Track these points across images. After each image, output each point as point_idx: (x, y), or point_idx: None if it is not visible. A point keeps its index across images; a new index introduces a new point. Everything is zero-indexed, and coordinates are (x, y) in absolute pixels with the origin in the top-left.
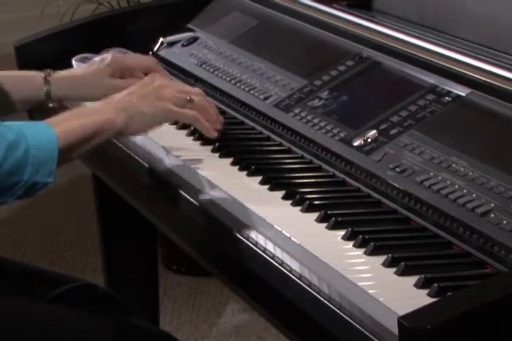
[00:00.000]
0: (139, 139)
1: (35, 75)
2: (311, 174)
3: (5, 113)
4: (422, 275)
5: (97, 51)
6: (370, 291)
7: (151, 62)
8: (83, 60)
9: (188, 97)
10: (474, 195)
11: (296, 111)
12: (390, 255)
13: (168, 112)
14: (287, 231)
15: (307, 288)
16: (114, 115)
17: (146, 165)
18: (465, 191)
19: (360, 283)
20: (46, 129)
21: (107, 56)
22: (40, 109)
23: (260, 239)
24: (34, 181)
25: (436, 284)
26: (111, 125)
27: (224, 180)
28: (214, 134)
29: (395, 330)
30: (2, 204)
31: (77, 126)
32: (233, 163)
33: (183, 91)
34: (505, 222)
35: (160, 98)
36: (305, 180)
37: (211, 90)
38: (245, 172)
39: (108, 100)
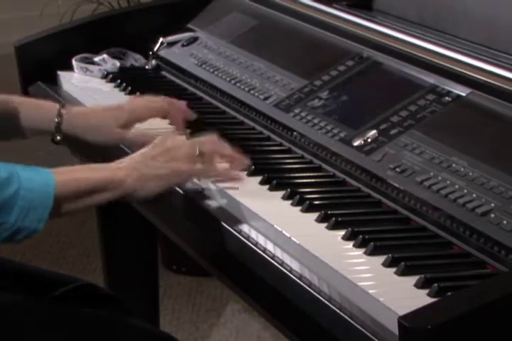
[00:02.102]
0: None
1: (50, 106)
2: (311, 174)
3: (12, 137)
4: (422, 275)
5: (97, 51)
6: (371, 291)
7: (165, 111)
8: (83, 60)
9: (197, 152)
10: (474, 195)
11: (296, 111)
12: (390, 255)
13: (181, 173)
14: (287, 231)
15: (307, 288)
16: (123, 176)
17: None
18: (465, 191)
19: (360, 283)
20: (45, 174)
21: (128, 104)
22: None
23: (260, 239)
24: (21, 225)
25: (436, 284)
26: (118, 185)
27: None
28: (239, 182)
29: (395, 330)
30: None
31: (81, 177)
32: None
33: (193, 146)
34: (505, 221)
35: (171, 159)
36: (305, 180)
37: (211, 90)
38: (245, 173)
39: (120, 161)
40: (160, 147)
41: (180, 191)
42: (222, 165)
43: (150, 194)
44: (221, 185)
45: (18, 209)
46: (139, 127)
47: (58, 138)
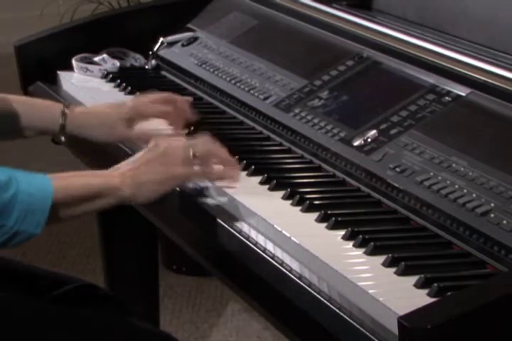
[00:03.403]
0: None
1: (54, 106)
2: (311, 174)
3: (12, 137)
4: (422, 275)
5: (97, 51)
6: (370, 291)
7: (167, 109)
8: (83, 60)
9: (191, 154)
10: (474, 195)
11: (296, 111)
12: (390, 255)
13: (177, 177)
14: (287, 231)
15: (307, 288)
16: (120, 183)
17: None
18: (465, 191)
19: (360, 283)
20: (42, 179)
21: (130, 101)
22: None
23: (260, 239)
24: (19, 229)
25: (436, 284)
26: (113, 192)
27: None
28: (234, 183)
29: (395, 330)
30: None
31: (79, 183)
32: None
33: (187, 149)
34: (505, 221)
35: (166, 163)
36: (305, 180)
37: (211, 90)
38: (245, 173)
39: (116, 168)
40: (154, 151)
41: (180, 191)
42: (218, 167)
43: (148, 199)
44: (220, 184)
45: (17, 212)
46: (139, 127)
47: (62, 138)
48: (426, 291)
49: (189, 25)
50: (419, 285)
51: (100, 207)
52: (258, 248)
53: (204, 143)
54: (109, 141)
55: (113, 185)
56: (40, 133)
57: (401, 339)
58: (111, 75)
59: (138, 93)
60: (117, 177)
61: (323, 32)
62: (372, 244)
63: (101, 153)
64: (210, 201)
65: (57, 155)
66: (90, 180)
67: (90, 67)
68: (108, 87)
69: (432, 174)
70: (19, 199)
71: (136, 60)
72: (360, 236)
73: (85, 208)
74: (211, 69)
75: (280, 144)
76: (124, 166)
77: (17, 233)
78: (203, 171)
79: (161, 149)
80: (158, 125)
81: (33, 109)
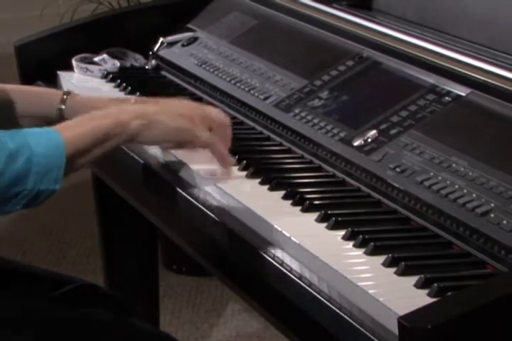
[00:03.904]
0: None
1: (53, 93)
2: (311, 174)
3: (7, 126)
4: (422, 275)
5: (97, 51)
6: (370, 291)
7: None
8: (83, 60)
9: (208, 122)
10: (474, 195)
11: (296, 111)
12: (390, 255)
13: (188, 131)
14: (287, 231)
15: (307, 288)
16: (127, 118)
17: (142, 161)
18: (465, 191)
19: (360, 283)
20: (52, 135)
21: (132, 97)
22: None
23: (260, 239)
24: (39, 190)
25: (436, 284)
26: (123, 128)
27: (224, 179)
28: (228, 163)
29: (395, 330)
30: (7, 213)
31: (88, 130)
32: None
33: (206, 115)
34: (505, 221)
35: (183, 115)
36: (305, 180)
37: (211, 90)
38: (245, 173)
39: (126, 103)
40: (174, 101)
41: (180, 191)
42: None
43: (153, 140)
44: (221, 185)
45: (34, 175)
46: None
47: None
48: (426, 291)
49: (189, 25)
50: (419, 285)
51: (112, 146)
52: (258, 248)
53: (223, 123)
54: None
55: (122, 120)
56: (38, 122)
57: (401, 339)
58: (111, 75)
59: (138, 93)
60: (126, 113)
61: (323, 32)
62: (372, 244)
63: None
64: (210, 201)
65: None
66: (99, 123)
67: (90, 67)
68: (108, 87)
69: (432, 174)
70: (34, 162)
71: (136, 60)
72: (360, 236)
73: (99, 151)
74: (211, 70)
75: (280, 144)
76: (139, 103)
77: (37, 194)
78: (210, 141)
79: (182, 102)
80: None
81: (29, 96)
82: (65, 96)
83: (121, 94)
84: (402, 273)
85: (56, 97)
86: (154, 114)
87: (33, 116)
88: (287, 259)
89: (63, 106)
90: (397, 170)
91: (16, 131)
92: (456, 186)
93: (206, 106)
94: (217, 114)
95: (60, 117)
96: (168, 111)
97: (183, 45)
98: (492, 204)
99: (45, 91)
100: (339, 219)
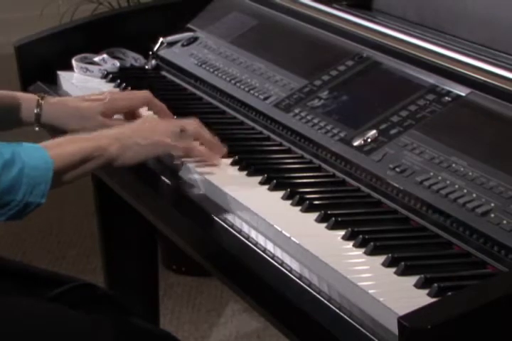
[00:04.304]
0: None
1: (27, 97)
2: (311, 174)
3: None
4: (422, 276)
5: (97, 51)
6: (370, 291)
7: (146, 100)
8: (83, 60)
9: (179, 129)
10: (474, 195)
11: (296, 111)
12: (390, 255)
13: (161, 145)
14: (287, 231)
15: (307, 288)
16: (106, 143)
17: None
18: (465, 191)
19: (360, 283)
20: (40, 150)
21: (105, 93)
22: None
23: (260, 239)
24: (27, 201)
25: (436, 284)
26: (102, 152)
27: (224, 180)
28: (216, 160)
29: (395, 330)
30: None
31: (70, 150)
32: (233, 163)
33: (177, 125)
34: (505, 221)
35: (154, 131)
36: (305, 180)
37: (211, 90)
38: (245, 173)
39: (103, 131)
40: (144, 122)
41: (180, 191)
42: (201, 147)
43: (132, 161)
44: (221, 185)
45: (25, 187)
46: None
47: (37, 129)
48: (426, 291)
49: (189, 25)
50: (419, 285)
51: (91, 168)
52: (258, 248)
53: (193, 123)
54: (82, 130)
55: (102, 145)
56: (16, 125)
57: (401, 339)
58: (111, 75)
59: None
60: (105, 138)
61: (323, 32)
62: (372, 244)
63: None
64: (209, 201)
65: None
66: (82, 145)
67: (90, 67)
68: (108, 87)
69: (431, 174)
70: (25, 173)
71: (136, 60)
72: (360, 236)
73: (81, 171)
74: (211, 70)
75: (280, 144)
76: (113, 129)
77: (25, 206)
78: (187, 146)
79: (153, 121)
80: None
81: (8, 101)
82: (40, 101)
83: None
84: (402, 273)
85: (32, 102)
86: (128, 137)
87: (9, 121)
88: (287, 259)
89: (39, 111)
90: (397, 170)
91: (7, 143)
92: (456, 186)
93: (179, 120)
94: (188, 122)
95: (36, 121)
96: (140, 132)
97: (183, 45)
98: (492, 204)
99: (20, 96)
100: (339, 219)
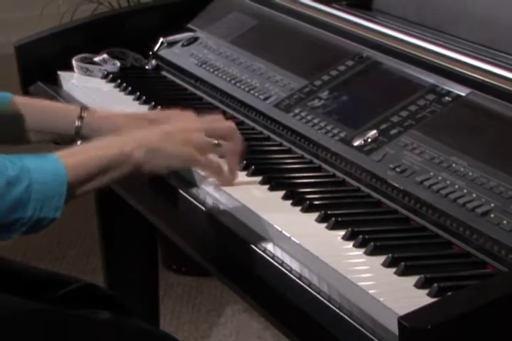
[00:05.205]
0: None
1: (70, 109)
2: (311, 174)
3: (15, 142)
4: (422, 276)
5: (97, 51)
6: (370, 291)
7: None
8: (83, 60)
9: (216, 141)
10: (474, 195)
11: (296, 111)
12: (390, 255)
13: (191, 160)
14: (287, 231)
15: (307, 288)
16: (131, 148)
17: None
18: (465, 191)
19: (360, 283)
20: (54, 162)
21: (151, 112)
22: None
23: (260, 239)
24: (38, 217)
25: (436, 284)
26: (127, 158)
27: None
28: (229, 185)
29: (395, 330)
30: (6, 239)
31: (92, 158)
32: None
33: (214, 135)
34: (505, 221)
35: (185, 140)
36: (305, 180)
37: (211, 90)
38: (245, 173)
39: (129, 134)
40: (176, 125)
41: (180, 191)
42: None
43: (158, 168)
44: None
45: (34, 203)
46: None
47: (79, 142)
48: (426, 291)
49: (189, 25)
50: (419, 285)
51: (114, 178)
52: (258, 248)
53: (236, 141)
54: None
55: (126, 152)
56: (48, 138)
57: (401, 339)
58: (111, 75)
59: (138, 93)
60: (130, 143)
61: (323, 32)
62: (372, 244)
63: None
64: (209, 201)
65: None
66: (103, 153)
67: (90, 67)
68: (108, 87)
69: (432, 174)
70: (34, 189)
71: (136, 60)
72: (360, 236)
73: (102, 181)
74: (211, 70)
75: (280, 144)
76: (140, 132)
77: (37, 221)
78: (217, 170)
79: (184, 125)
80: None
81: (43, 110)
82: (82, 113)
83: (122, 95)
84: (402, 273)
85: (73, 113)
86: (156, 143)
87: (45, 132)
88: (287, 259)
89: (80, 124)
90: (397, 170)
91: (17, 156)
92: (456, 186)
93: (210, 120)
94: (221, 126)
95: (76, 134)
96: (171, 138)
97: (183, 45)
98: (492, 204)
99: (61, 107)
100: (339, 219)
